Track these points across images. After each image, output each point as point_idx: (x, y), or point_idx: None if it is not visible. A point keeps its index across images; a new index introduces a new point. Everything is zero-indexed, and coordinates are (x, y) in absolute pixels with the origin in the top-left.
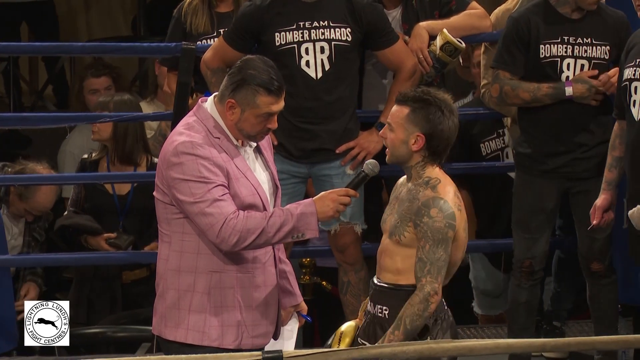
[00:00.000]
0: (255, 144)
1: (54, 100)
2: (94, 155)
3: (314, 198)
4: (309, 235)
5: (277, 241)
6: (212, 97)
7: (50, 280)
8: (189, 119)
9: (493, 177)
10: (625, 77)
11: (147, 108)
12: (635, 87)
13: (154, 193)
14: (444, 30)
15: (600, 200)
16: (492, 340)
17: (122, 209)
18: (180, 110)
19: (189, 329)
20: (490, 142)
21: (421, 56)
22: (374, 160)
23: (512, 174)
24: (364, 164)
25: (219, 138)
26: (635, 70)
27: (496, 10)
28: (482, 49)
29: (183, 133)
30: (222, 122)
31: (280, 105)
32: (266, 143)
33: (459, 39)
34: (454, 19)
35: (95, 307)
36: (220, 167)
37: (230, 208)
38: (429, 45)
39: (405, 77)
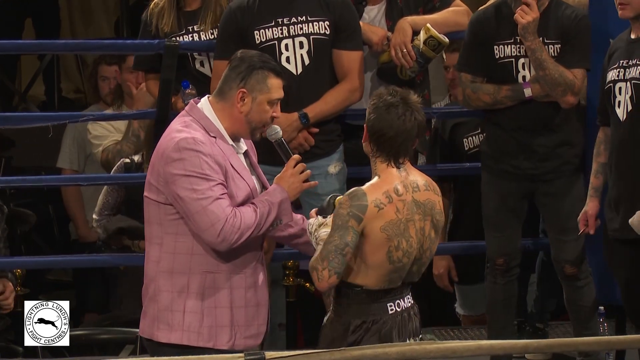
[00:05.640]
0: (244, 148)
1: (37, 101)
2: (136, 158)
3: (275, 182)
4: (286, 220)
5: (263, 232)
6: (205, 97)
7: (34, 282)
8: (183, 118)
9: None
10: (608, 79)
11: None
12: (620, 88)
13: (145, 193)
14: (427, 25)
15: (591, 207)
16: (474, 342)
17: None
18: (163, 108)
19: (184, 330)
20: (474, 137)
21: (404, 50)
22: (271, 127)
23: None
24: (268, 136)
25: (215, 137)
26: (618, 72)
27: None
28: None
29: (182, 130)
30: (218, 122)
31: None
32: (250, 150)
33: (443, 35)
34: (438, 15)
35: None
36: (220, 165)
37: (229, 207)
38: (413, 39)
39: (347, 87)
